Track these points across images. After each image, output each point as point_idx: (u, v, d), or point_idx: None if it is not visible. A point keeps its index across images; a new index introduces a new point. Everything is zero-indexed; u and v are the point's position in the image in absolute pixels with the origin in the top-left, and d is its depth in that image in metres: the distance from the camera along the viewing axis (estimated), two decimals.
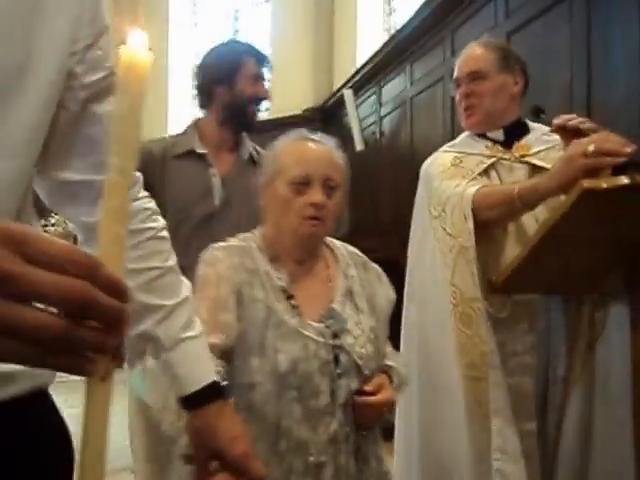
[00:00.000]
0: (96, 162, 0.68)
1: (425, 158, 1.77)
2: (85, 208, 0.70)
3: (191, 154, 1.73)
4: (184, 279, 0.81)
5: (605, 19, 2.78)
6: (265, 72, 1.89)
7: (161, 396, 0.97)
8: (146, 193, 0.81)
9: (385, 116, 5.45)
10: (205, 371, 0.76)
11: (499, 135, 1.59)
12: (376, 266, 1.31)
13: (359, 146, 5.67)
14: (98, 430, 0.44)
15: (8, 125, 0.59)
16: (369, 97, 5.82)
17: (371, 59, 5.55)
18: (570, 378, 1.46)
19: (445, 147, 1.73)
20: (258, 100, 1.88)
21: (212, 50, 1.86)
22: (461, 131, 1.80)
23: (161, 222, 0.80)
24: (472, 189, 1.44)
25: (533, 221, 1.48)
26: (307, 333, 1.11)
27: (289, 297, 1.14)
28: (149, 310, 0.74)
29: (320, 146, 1.24)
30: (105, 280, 0.38)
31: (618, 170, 1.19)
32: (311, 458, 1.09)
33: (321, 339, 1.12)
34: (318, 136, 1.29)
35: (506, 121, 1.60)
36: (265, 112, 7.09)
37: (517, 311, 1.46)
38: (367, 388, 1.15)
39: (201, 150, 1.77)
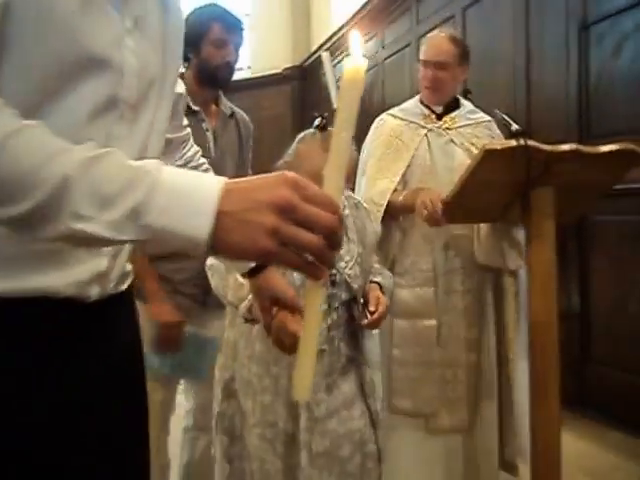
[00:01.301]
0: (175, 125, 1.01)
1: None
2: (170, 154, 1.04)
3: (187, 110, 1.74)
4: None
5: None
6: (235, 37, 1.92)
7: (221, 281, 1.41)
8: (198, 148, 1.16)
9: None
10: None
11: (439, 109, 2.15)
12: (366, 206, 1.69)
13: (336, 105, 6.10)
14: (314, 320, 0.60)
15: (162, 112, 0.82)
16: (344, 58, 6.22)
17: (347, 23, 5.93)
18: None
19: (396, 110, 2.23)
20: (226, 65, 1.92)
21: (187, 15, 1.85)
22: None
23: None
24: (381, 211, 1.99)
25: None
26: None
27: None
28: None
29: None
30: (341, 217, 0.56)
31: (511, 135, 1.78)
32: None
33: None
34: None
35: (448, 99, 2.17)
36: (248, 71, 7.45)
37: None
38: (371, 309, 1.49)
39: (194, 107, 1.90)
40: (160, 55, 0.78)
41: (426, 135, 2.11)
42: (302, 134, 1.55)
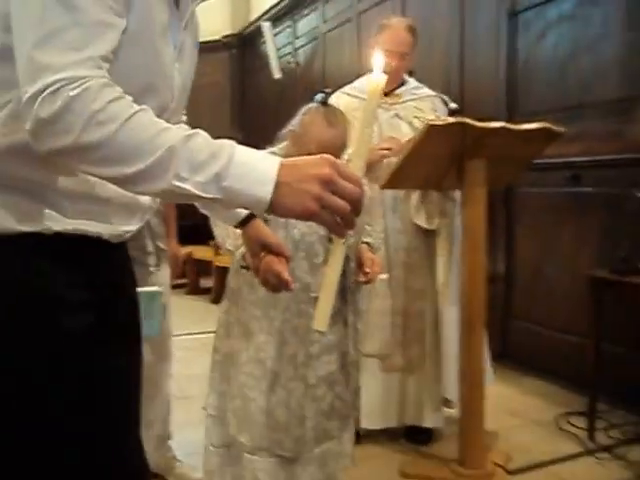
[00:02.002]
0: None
1: (334, 85, 2.46)
2: None
3: None
4: None
5: None
6: None
7: (222, 230, 1.58)
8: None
9: (299, 48, 5.95)
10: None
11: (388, 87, 2.35)
12: None
13: (277, 74, 6.15)
14: (336, 267, 0.79)
15: (184, 97, 1.01)
16: (285, 29, 6.26)
17: None
18: None
19: (348, 88, 2.43)
20: None
21: None
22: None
23: None
24: None
25: None
26: None
27: None
28: None
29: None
30: (364, 192, 0.76)
31: (450, 113, 2.01)
32: (312, 294, 1.57)
33: None
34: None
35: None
36: None
37: None
38: (366, 270, 1.65)
39: None
40: (190, 71, 1.00)
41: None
42: (306, 107, 1.67)
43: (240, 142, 0.77)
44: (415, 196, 2.33)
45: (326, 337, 1.66)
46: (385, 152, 2.19)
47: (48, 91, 0.71)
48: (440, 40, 3.77)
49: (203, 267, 5.66)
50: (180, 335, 2.96)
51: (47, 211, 0.84)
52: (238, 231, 1.31)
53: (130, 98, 0.75)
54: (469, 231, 2.09)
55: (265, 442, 1.64)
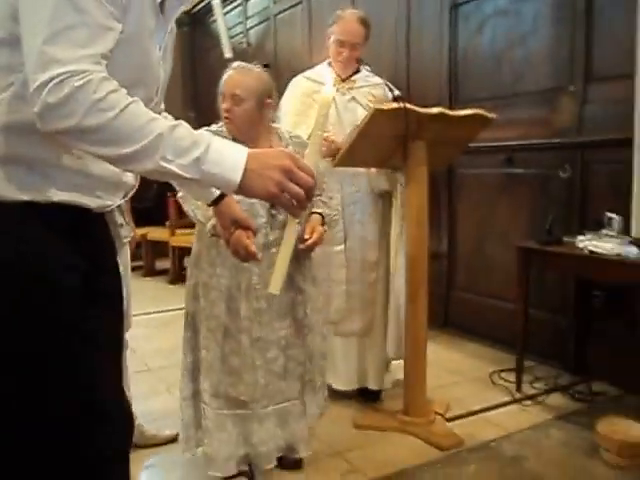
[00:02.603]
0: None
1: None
2: None
3: None
4: None
5: None
6: None
7: (192, 204, 1.76)
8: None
9: (251, 28, 6.02)
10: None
11: (343, 73, 2.56)
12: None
13: (228, 53, 6.12)
14: (290, 241, 1.00)
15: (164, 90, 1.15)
16: (235, 8, 6.27)
17: None
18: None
19: (307, 73, 2.62)
20: None
21: None
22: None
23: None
24: None
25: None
26: None
27: None
28: None
29: (233, 72, 1.84)
30: (315, 182, 0.95)
31: (394, 99, 2.24)
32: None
33: None
34: (241, 65, 1.90)
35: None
36: None
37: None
38: (306, 236, 1.85)
39: None
40: (169, 69, 1.15)
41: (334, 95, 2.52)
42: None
43: (192, 120, 0.95)
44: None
45: (274, 301, 1.84)
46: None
47: (56, 81, 0.85)
48: (389, 30, 3.98)
49: (159, 249, 5.69)
50: (139, 315, 3.06)
51: (44, 183, 0.99)
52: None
53: (125, 91, 0.90)
54: (413, 207, 2.33)
55: (222, 387, 1.84)
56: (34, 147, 0.97)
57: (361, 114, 2.44)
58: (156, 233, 5.57)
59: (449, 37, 3.57)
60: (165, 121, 0.91)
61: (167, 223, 5.42)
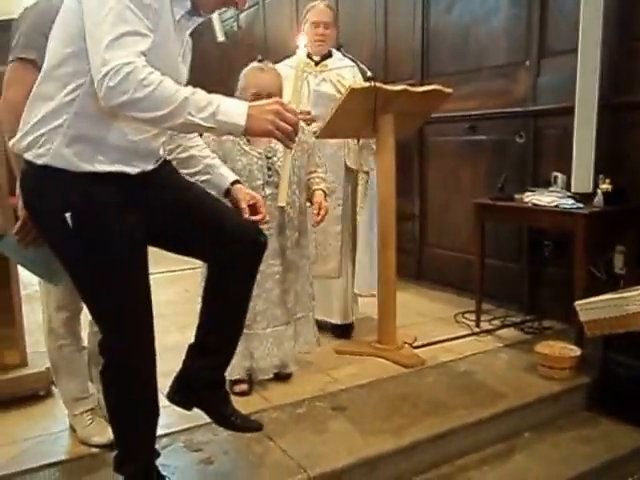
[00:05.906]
0: None
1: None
2: None
3: None
4: None
5: None
6: None
7: None
8: None
9: (241, 12, 6.21)
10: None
11: (317, 58, 2.98)
12: (304, 125, 2.45)
13: (220, 37, 6.45)
14: (287, 168, 1.62)
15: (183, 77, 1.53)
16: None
17: None
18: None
19: (288, 60, 2.99)
20: None
21: None
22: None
23: None
24: None
25: None
26: (252, 152, 2.29)
27: (248, 140, 2.28)
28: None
29: (263, 73, 2.30)
30: (299, 120, 1.39)
31: (366, 79, 2.64)
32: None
33: (259, 155, 2.29)
34: (268, 65, 2.36)
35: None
36: None
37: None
38: (315, 212, 2.34)
39: None
40: (187, 68, 1.57)
41: (306, 77, 2.93)
42: (249, 65, 2.36)
43: None
44: (352, 145, 2.99)
45: (270, 240, 2.15)
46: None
47: (113, 71, 1.24)
48: (368, 12, 4.34)
49: None
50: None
51: (101, 157, 1.41)
52: None
53: (159, 72, 1.28)
54: (382, 171, 2.75)
55: None
56: (95, 131, 1.39)
57: (330, 93, 2.86)
58: None
59: (422, 16, 3.94)
60: (187, 89, 1.31)
61: None
